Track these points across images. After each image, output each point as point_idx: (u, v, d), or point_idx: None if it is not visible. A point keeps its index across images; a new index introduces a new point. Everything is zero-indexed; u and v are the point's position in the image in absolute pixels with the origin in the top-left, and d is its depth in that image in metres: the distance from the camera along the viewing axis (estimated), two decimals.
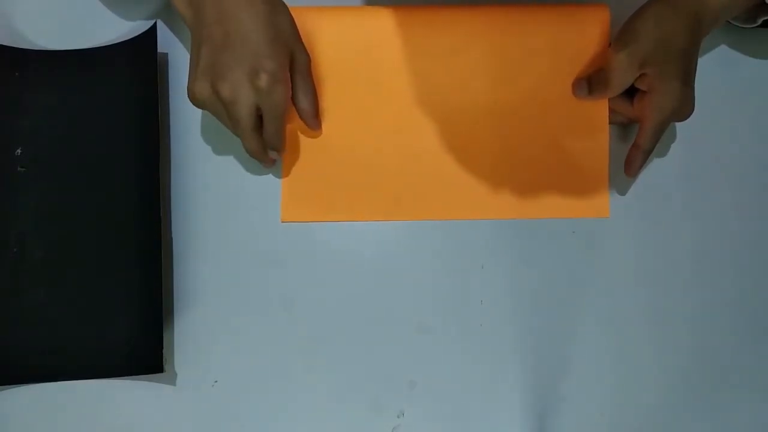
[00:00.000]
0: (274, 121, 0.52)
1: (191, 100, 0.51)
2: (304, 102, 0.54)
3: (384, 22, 0.57)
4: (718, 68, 0.59)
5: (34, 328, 0.54)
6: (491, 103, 0.57)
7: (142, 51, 0.57)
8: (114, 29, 0.59)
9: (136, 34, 0.58)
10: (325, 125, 0.57)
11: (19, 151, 0.56)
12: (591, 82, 0.55)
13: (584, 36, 0.57)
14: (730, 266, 0.57)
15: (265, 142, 0.53)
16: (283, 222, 0.56)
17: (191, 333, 0.55)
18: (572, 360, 0.55)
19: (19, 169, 0.56)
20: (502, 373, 0.55)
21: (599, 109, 0.57)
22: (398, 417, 0.54)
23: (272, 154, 0.55)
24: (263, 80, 0.49)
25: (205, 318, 0.55)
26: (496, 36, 0.57)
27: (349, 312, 0.55)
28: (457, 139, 0.57)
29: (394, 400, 0.54)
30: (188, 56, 0.58)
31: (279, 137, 0.53)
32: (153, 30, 0.57)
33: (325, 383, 0.54)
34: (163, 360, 0.53)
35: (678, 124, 0.58)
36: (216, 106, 0.51)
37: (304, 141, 0.57)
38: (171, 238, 0.56)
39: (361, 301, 0.56)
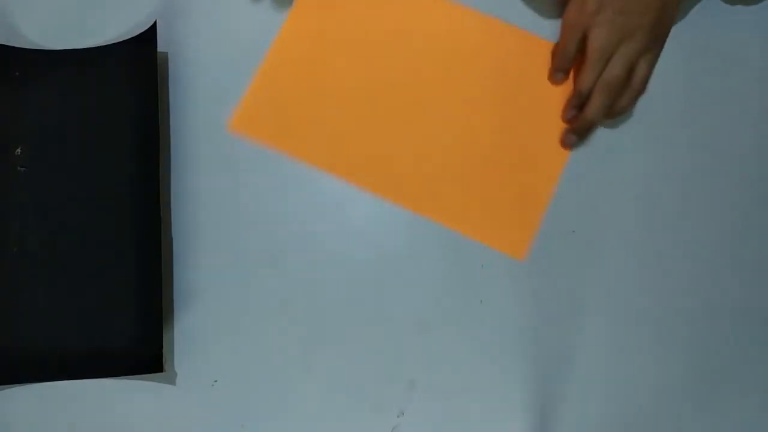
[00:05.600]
0: None
1: None
2: None
3: None
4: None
5: (34, 328, 0.54)
6: (468, 102, 0.58)
7: (142, 51, 0.57)
8: (114, 29, 0.59)
9: (136, 33, 0.58)
10: (313, 64, 0.58)
11: (19, 151, 0.56)
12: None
13: None
14: (731, 266, 0.57)
15: None
16: (229, 131, 0.57)
17: (191, 333, 0.55)
18: (572, 360, 0.55)
19: (19, 169, 0.56)
20: (502, 373, 0.55)
21: (558, 153, 0.57)
22: (398, 417, 0.54)
23: None
24: None
25: (205, 318, 0.55)
26: (502, 48, 0.59)
27: (349, 312, 0.55)
28: (419, 123, 0.58)
29: (394, 400, 0.54)
30: (188, 55, 0.59)
31: None
32: (153, 29, 0.57)
33: (325, 383, 0.54)
34: (163, 360, 0.53)
35: (672, 121, 0.58)
36: None
37: (284, 69, 0.58)
38: (171, 239, 0.56)
39: (360, 301, 0.56)
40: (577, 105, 0.56)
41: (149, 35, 0.57)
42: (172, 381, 0.54)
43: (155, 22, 0.57)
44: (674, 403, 0.55)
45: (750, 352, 0.56)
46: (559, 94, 0.58)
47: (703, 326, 0.56)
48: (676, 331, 0.56)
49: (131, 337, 0.53)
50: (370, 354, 0.55)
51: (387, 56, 0.59)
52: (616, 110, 0.56)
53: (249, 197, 0.57)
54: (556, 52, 0.57)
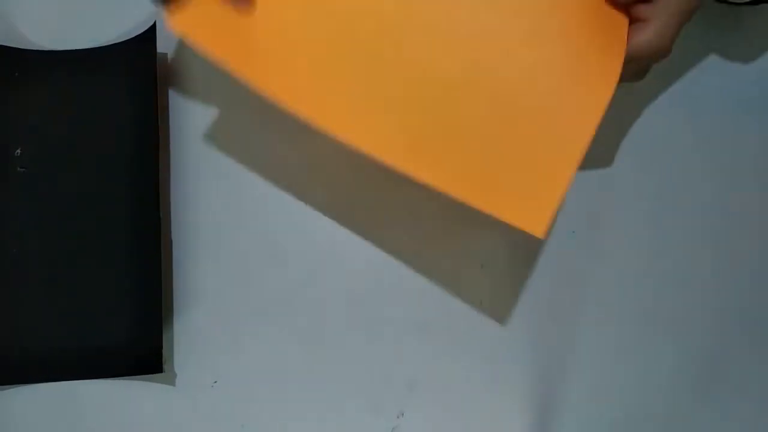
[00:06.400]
0: None
1: None
2: None
3: None
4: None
5: (34, 328, 0.53)
6: (475, 31, 0.46)
7: (142, 51, 0.57)
8: (114, 29, 0.59)
9: (136, 34, 0.58)
10: None
11: (19, 151, 0.56)
12: None
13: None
14: (733, 266, 0.57)
15: None
16: (168, 28, 0.44)
17: (191, 333, 0.55)
18: (573, 360, 0.55)
19: (19, 169, 0.56)
20: (503, 373, 0.55)
21: (594, 106, 0.45)
22: (398, 417, 0.54)
23: None
24: None
25: (205, 318, 0.55)
26: None
27: (349, 312, 0.55)
28: (420, 49, 0.46)
29: (394, 400, 0.54)
30: (188, 56, 0.59)
31: None
32: (153, 30, 0.57)
33: (324, 383, 0.54)
34: (163, 360, 0.53)
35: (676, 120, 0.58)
36: None
37: None
38: (171, 239, 0.56)
39: (360, 301, 0.56)
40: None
41: (149, 35, 0.57)
42: (171, 381, 0.54)
43: (155, 22, 0.57)
44: (674, 404, 0.55)
45: (751, 353, 0.56)
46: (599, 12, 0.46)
47: (705, 326, 0.56)
48: (676, 332, 0.56)
49: (131, 337, 0.53)
50: (370, 354, 0.55)
51: None
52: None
53: (249, 197, 0.57)
54: None
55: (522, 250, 0.56)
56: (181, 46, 0.59)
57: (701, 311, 0.56)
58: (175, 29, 0.44)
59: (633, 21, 0.48)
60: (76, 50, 0.58)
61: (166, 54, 0.59)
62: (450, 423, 0.54)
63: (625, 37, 0.46)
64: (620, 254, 0.57)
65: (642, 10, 0.47)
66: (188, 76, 0.58)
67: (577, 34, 0.47)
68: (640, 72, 0.50)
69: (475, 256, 0.56)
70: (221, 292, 0.55)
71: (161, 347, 0.52)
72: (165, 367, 0.53)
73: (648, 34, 0.47)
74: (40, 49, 0.58)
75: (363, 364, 0.55)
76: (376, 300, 0.56)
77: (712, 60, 0.59)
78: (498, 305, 0.56)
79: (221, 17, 0.44)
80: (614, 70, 0.46)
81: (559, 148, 0.45)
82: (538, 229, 0.44)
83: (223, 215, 0.57)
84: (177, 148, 0.58)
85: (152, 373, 0.52)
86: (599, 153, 0.57)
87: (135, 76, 0.57)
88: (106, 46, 0.58)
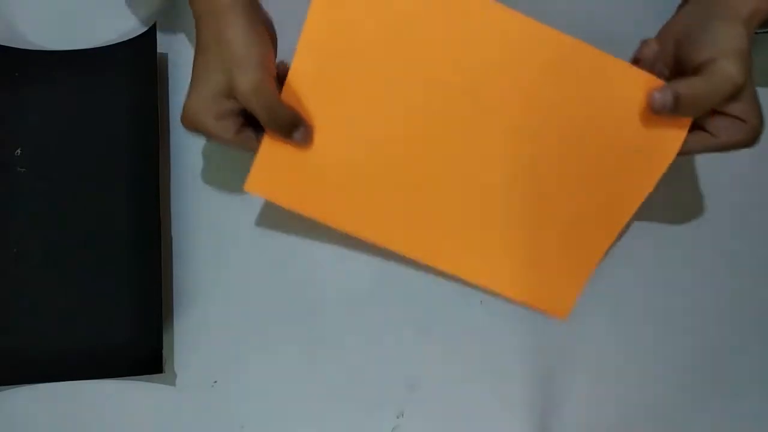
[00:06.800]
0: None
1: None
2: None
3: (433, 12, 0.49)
4: None
5: (34, 328, 0.54)
6: (520, 145, 0.51)
7: (142, 51, 0.57)
8: (114, 29, 0.59)
9: (136, 34, 0.58)
10: (339, 115, 0.50)
11: (19, 151, 0.56)
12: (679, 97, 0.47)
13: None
14: (732, 266, 0.57)
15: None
16: (246, 190, 0.51)
17: (191, 333, 0.55)
18: (573, 360, 0.55)
19: (19, 169, 0.56)
20: (502, 373, 0.55)
21: (622, 210, 0.51)
22: (398, 417, 0.54)
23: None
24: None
25: (205, 318, 0.55)
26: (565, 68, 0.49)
27: (348, 312, 0.55)
28: (462, 178, 0.51)
29: (394, 400, 0.54)
30: (188, 57, 0.59)
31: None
32: (153, 30, 0.57)
33: (324, 383, 0.54)
34: (163, 360, 0.53)
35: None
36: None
37: (310, 113, 0.50)
38: (171, 238, 0.56)
39: (360, 300, 0.56)
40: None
41: (149, 36, 0.57)
42: (171, 382, 0.54)
43: (155, 24, 0.57)
44: (676, 404, 0.55)
45: (752, 353, 0.56)
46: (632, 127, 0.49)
47: (705, 326, 0.56)
48: (677, 331, 0.56)
49: (130, 337, 0.53)
50: (370, 354, 0.55)
51: (425, 86, 0.49)
52: None
53: (249, 198, 0.57)
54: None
55: None
56: (182, 46, 0.59)
57: (702, 311, 0.56)
58: (253, 191, 0.51)
59: (722, 114, 0.48)
60: (76, 50, 0.58)
61: (166, 54, 0.59)
62: (450, 423, 0.54)
63: (670, 158, 0.50)
64: (621, 253, 0.56)
65: (733, 107, 0.47)
66: (188, 76, 0.58)
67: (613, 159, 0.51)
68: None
69: None
70: (221, 292, 0.55)
71: (161, 347, 0.52)
72: (165, 367, 0.53)
73: (744, 134, 0.48)
74: (40, 49, 0.58)
75: (363, 364, 0.55)
76: (376, 300, 0.56)
77: None
78: (498, 305, 0.56)
79: (288, 172, 0.51)
80: (650, 181, 0.51)
81: (587, 244, 0.52)
82: (561, 313, 0.53)
83: (223, 215, 0.57)
84: (177, 148, 0.58)
85: (152, 373, 0.52)
86: None
87: (135, 76, 0.57)
88: (106, 46, 0.58)
